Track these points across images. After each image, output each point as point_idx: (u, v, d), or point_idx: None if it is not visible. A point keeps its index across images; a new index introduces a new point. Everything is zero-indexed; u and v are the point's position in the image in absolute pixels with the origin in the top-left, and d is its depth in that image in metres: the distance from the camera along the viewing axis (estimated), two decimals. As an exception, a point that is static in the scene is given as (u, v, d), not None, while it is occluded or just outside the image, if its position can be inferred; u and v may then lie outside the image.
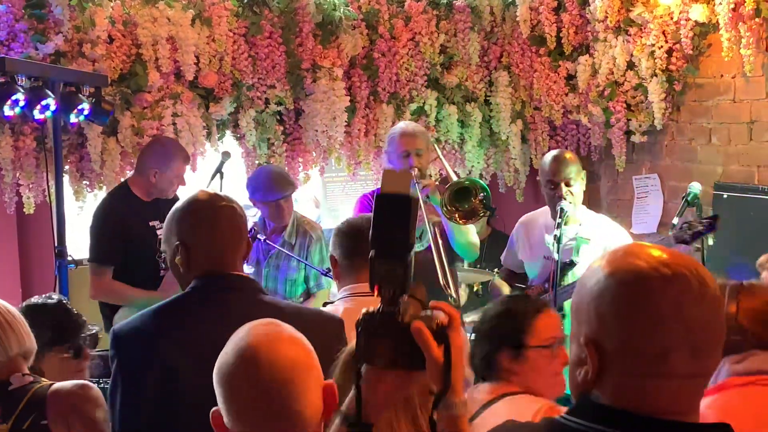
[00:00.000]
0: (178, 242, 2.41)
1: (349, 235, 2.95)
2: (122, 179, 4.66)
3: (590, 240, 4.24)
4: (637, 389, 1.34)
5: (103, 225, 4.32)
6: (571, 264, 4.15)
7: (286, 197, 4.60)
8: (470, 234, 4.41)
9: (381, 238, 1.53)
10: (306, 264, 4.48)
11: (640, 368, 1.34)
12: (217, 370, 1.72)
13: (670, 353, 1.32)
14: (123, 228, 4.30)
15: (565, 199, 4.14)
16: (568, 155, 4.33)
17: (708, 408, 2.20)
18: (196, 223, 2.41)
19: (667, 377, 1.33)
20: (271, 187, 4.56)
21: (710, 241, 4.18)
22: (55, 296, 3.13)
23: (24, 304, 2.99)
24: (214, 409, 1.73)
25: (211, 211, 2.42)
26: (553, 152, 4.38)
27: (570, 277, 4.10)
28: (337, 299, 2.93)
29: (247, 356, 1.69)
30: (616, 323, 1.35)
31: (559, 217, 4.12)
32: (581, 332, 1.38)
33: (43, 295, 3.11)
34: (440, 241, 4.22)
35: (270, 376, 1.66)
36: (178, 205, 2.47)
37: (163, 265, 4.40)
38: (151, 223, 4.41)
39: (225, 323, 2.24)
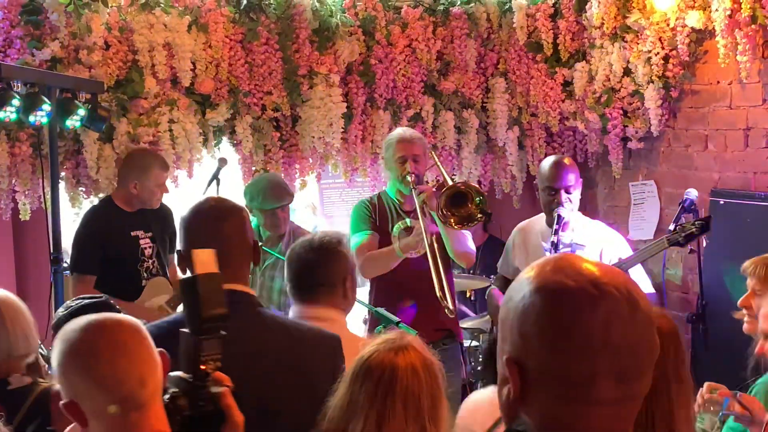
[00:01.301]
0: (179, 250, 2.43)
1: (292, 268, 3.00)
2: (115, 185, 4.70)
3: (585, 246, 4.24)
4: (564, 415, 1.26)
5: (84, 235, 4.47)
6: None
7: (284, 206, 4.62)
8: (468, 241, 4.40)
9: (205, 316, 1.72)
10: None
11: (564, 393, 1.26)
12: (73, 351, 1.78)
13: (596, 378, 1.24)
14: (103, 238, 4.43)
15: (563, 205, 4.13)
16: (568, 161, 4.32)
17: None
18: (195, 236, 2.40)
19: (594, 403, 1.25)
20: (270, 196, 4.57)
21: (704, 243, 4.19)
22: (98, 295, 3.25)
23: (75, 306, 3.04)
24: (65, 401, 1.79)
25: (213, 223, 2.40)
26: (552, 158, 4.37)
27: None
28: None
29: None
30: (538, 344, 1.26)
31: (557, 224, 4.11)
32: (504, 349, 1.30)
33: (84, 297, 3.19)
34: (437, 249, 4.20)
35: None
36: (184, 213, 2.48)
37: (145, 275, 4.47)
38: (133, 233, 4.49)
39: (225, 341, 2.25)
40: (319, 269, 2.91)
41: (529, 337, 1.27)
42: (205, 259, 1.78)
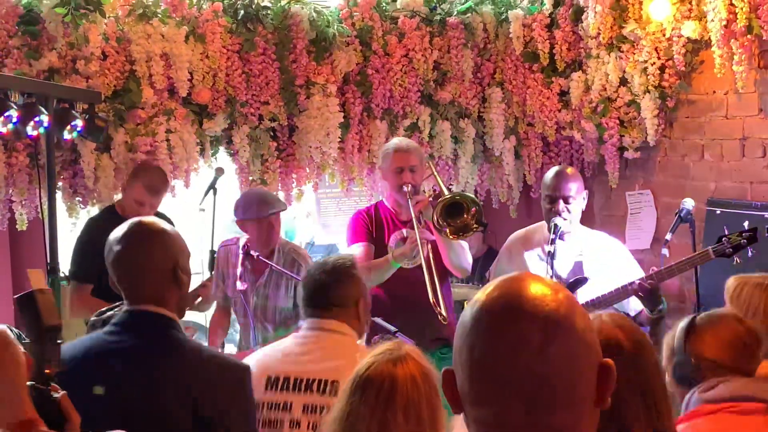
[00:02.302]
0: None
1: (306, 289, 3.07)
2: (115, 195, 4.71)
3: (593, 256, 4.24)
4: None
5: (84, 243, 4.47)
6: (582, 281, 4.11)
7: (277, 213, 4.54)
8: (464, 253, 4.40)
9: (49, 327, 1.99)
10: (298, 279, 4.42)
11: (476, 414, 1.25)
12: None
13: (502, 404, 1.23)
14: (102, 247, 4.38)
15: (561, 214, 4.13)
16: (570, 171, 4.33)
17: None
18: (113, 256, 2.47)
19: (503, 428, 1.24)
20: (264, 204, 4.49)
21: (749, 253, 4.16)
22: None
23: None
24: None
25: (125, 248, 2.45)
26: (557, 167, 4.38)
27: (578, 295, 4.05)
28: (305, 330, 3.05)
29: None
30: (458, 361, 1.27)
31: (553, 233, 4.12)
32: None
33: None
34: (432, 259, 4.21)
35: None
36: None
37: None
38: None
39: (126, 361, 2.36)
40: (333, 290, 3.00)
41: (456, 352, 1.28)
42: (39, 278, 2.09)
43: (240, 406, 2.42)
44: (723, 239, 3.95)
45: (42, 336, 1.98)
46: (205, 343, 4.83)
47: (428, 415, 2.15)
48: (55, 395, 1.96)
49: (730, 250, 3.93)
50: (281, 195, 5.04)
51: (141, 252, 2.44)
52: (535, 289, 1.26)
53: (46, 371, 1.96)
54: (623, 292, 4.01)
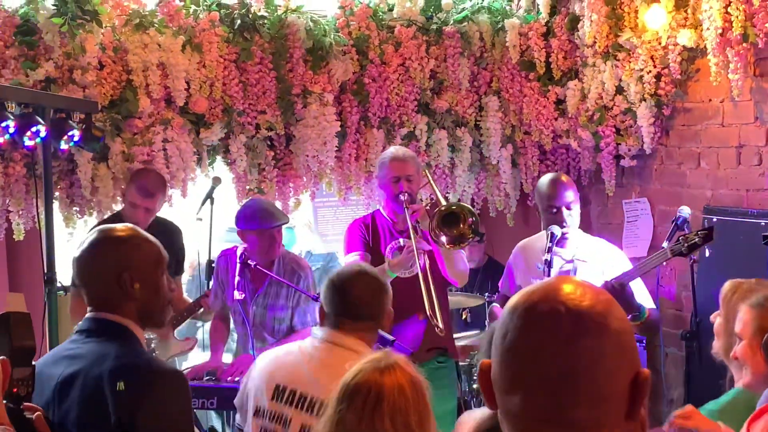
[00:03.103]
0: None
1: (332, 290, 3.03)
2: (112, 205, 4.71)
3: (587, 262, 4.25)
4: (509, 427, 1.28)
5: None
6: None
7: (280, 226, 4.53)
8: (461, 262, 4.40)
9: (19, 349, 2.05)
10: (299, 289, 4.42)
11: (505, 404, 1.28)
12: None
13: (527, 398, 1.25)
14: None
15: (565, 222, 4.15)
16: (565, 178, 4.35)
17: None
18: (74, 261, 2.46)
19: (528, 420, 1.26)
20: (268, 215, 4.47)
21: (707, 253, 4.20)
22: None
23: None
24: None
25: (82, 250, 2.43)
26: (550, 176, 4.39)
27: None
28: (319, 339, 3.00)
29: None
30: (492, 352, 1.31)
31: (550, 242, 4.12)
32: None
33: None
34: (428, 269, 4.20)
35: None
36: None
37: None
38: None
39: (77, 365, 2.32)
40: (365, 302, 2.96)
41: (492, 344, 1.31)
42: (17, 302, 2.14)
43: (165, 414, 2.29)
44: (680, 239, 4.03)
45: (12, 357, 1.99)
46: (207, 354, 4.83)
47: (416, 422, 2.15)
48: (29, 416, 1.97)
49: (686, 249, 3.98)
50: (278, 204, 5.03)
51: (88, 257, 2.41)
52: (574, 287, 1.29)
53: (14, 390, 1.99)
54: None
